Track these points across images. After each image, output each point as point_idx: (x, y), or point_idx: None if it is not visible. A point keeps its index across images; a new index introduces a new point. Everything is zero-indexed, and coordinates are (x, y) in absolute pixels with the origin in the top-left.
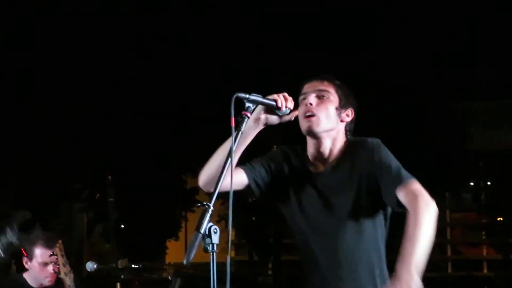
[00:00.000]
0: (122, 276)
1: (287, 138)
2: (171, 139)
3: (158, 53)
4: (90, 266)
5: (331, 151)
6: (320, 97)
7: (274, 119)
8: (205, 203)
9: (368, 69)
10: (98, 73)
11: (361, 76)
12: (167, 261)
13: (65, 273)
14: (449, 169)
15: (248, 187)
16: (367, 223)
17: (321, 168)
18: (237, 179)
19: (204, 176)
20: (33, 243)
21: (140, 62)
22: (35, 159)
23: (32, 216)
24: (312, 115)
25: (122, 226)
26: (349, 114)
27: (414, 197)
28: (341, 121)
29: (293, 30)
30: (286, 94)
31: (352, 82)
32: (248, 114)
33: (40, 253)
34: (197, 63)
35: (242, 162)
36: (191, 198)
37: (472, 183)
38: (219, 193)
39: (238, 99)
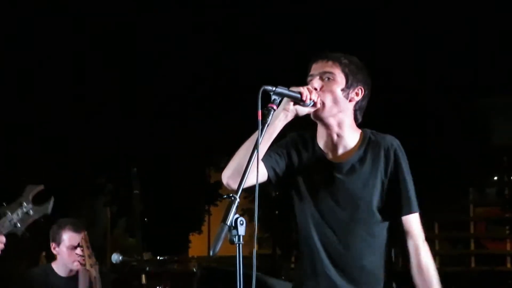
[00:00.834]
0: (147, 268)
1: (294, 125)
2: (195, 133)
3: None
4: (116, 258)
5: (341, 136)
6: (324, 79)
7: (303, 110)
8: (231, 195)
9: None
10: (115, 66)
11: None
12: (190, 255)
13: (90, 264)
14: (473, 164)
15: (268, 177)
16: (379, 225)
17: (335, 156)
18: (259, 171)
19: (229, 171)
20: (60, 228)
21: (159, 55)
22: (58, 153)
23: (44, 189)
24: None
25: (146, 219)
26: (358, 93)
27: (423, 240)
28: (350, 100)
29: (293, 30)
30: (310, 86)
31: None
32: (274, 107)
33: (68, 237)
34: (224, 52)
35: None
36: (214, 192)
37: (495, 178)
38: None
39: (264, 91)
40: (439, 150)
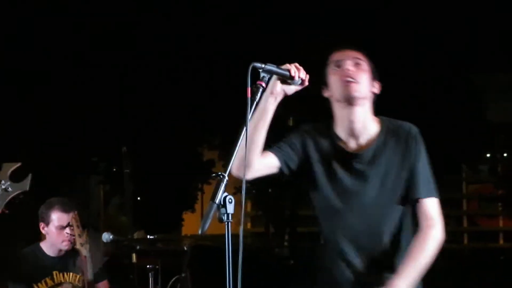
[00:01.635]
0: (138, 247)
1: (303, 114)
2: (188, 112)
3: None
4: (106, 237)
5: (363, 124)
6: (356, 64)
7: (291, 89)
8: (220, 173)
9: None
10: (112, 50)
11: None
12: (183, 233)
13: (80, 243)
14: (466, 140)
15: (279, 169)
16: (402, 211)
17: (356, 144)
18: (268, 162)
19: (236, 163)
20: (49, 208)
21: (156, 39)
22: (51, 134)
23: (21, 166)
24: (353, 80)
25: (139, 198)
26: (377, 87)
27: (430, 225)
28: (371, 92)
29: (293, 29)
30: (297, 64)
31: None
32: (263, 84)
33: (57, 217)
34: (215, 37)
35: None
36: (208, 170)
37: (488, 155)
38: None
39: (254, 68)
40: (430, 126)
